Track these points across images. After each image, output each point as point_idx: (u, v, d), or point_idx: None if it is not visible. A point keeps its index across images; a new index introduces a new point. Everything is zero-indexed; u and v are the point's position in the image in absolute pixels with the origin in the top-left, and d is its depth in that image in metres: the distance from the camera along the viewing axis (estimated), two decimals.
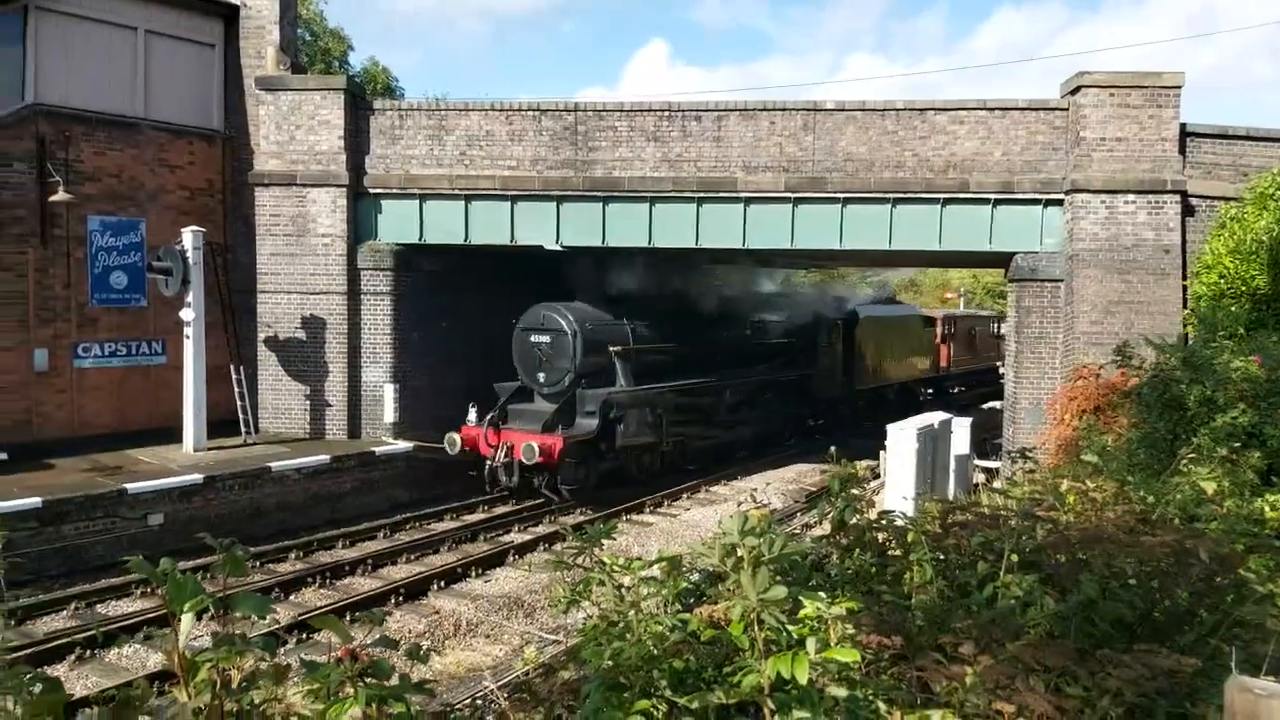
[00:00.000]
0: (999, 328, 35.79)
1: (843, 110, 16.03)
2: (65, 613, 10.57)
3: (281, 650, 8.94)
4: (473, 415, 16.42)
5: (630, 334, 17.83)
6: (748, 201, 16.29)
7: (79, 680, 8.91)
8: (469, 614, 10.80)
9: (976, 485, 14.82)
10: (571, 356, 16.71)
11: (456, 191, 16.89)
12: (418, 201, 17.09)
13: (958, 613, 3.07)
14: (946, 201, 15.72)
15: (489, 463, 15.81)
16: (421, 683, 1.95)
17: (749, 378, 21.56)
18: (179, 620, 1.98)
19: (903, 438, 12.84)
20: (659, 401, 18.01)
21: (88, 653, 9.47)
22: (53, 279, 15.84)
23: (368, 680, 1.91)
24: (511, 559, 12.94)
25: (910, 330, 29.61)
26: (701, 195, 16.36)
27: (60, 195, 15.21)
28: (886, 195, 15.88)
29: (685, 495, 17.44)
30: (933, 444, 13.42)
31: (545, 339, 16.90)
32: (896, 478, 12.80)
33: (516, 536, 14.27)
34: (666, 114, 16.48)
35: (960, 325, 34.06)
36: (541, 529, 14.67)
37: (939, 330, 31.83)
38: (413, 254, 17.39)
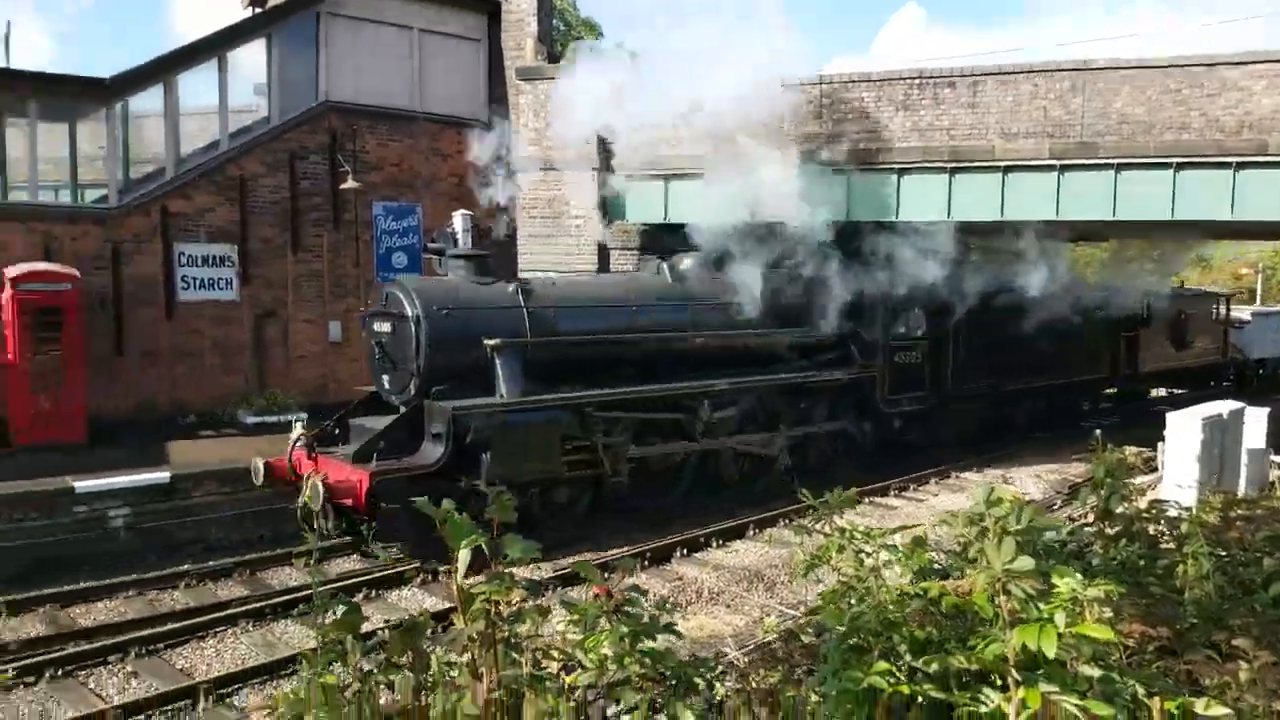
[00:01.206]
0: (1225, 310, 27.92)
1: (1117, 69, 14.73)
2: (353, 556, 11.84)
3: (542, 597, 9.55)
4: (297, 430, 11.68)
5: (528, 320, 12.13)
6: (1006, 170, 15.38)
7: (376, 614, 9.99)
8: (710, 582, 11.06)
9: (1272, 483, 13.30)
10: (414, 353, 11.51)
11: (700, 171, 17.15)
12: (664, 182, 17.51)
13: (1238, 609, 2.82)
14: (1240, 165, 14.07)
15: (300, 499, 10.73)
16: (670, 625, 2.08)
17: (750, 381, 14.39)
18: (457, 556, 2.23)
19: (1185, 426, 11.78)
20: (572, 416, 12.21)
21: (373, 592, 10.55)
22: (344, 259, 17.73)
23: (622, 615, 2.06)
24: (751, 532, 13.09)
25: (1058, 320, 19.24)
26: (954, 165, 15.63)
27: (349, 183, 16.94)
28: (1168, 160, 14.44)
29: (933, 480, 16.73)
30: (1220, 435, 12.17)
31: (386, 327, 11.95)
32: (1175, 469, 11.74)
33: (754, 513, 14.36)
34: (917, 81, 15.86)
35: (1161, 309, 23.89)
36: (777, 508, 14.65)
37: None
38: (658, 233, 17.85)
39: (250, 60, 17.23)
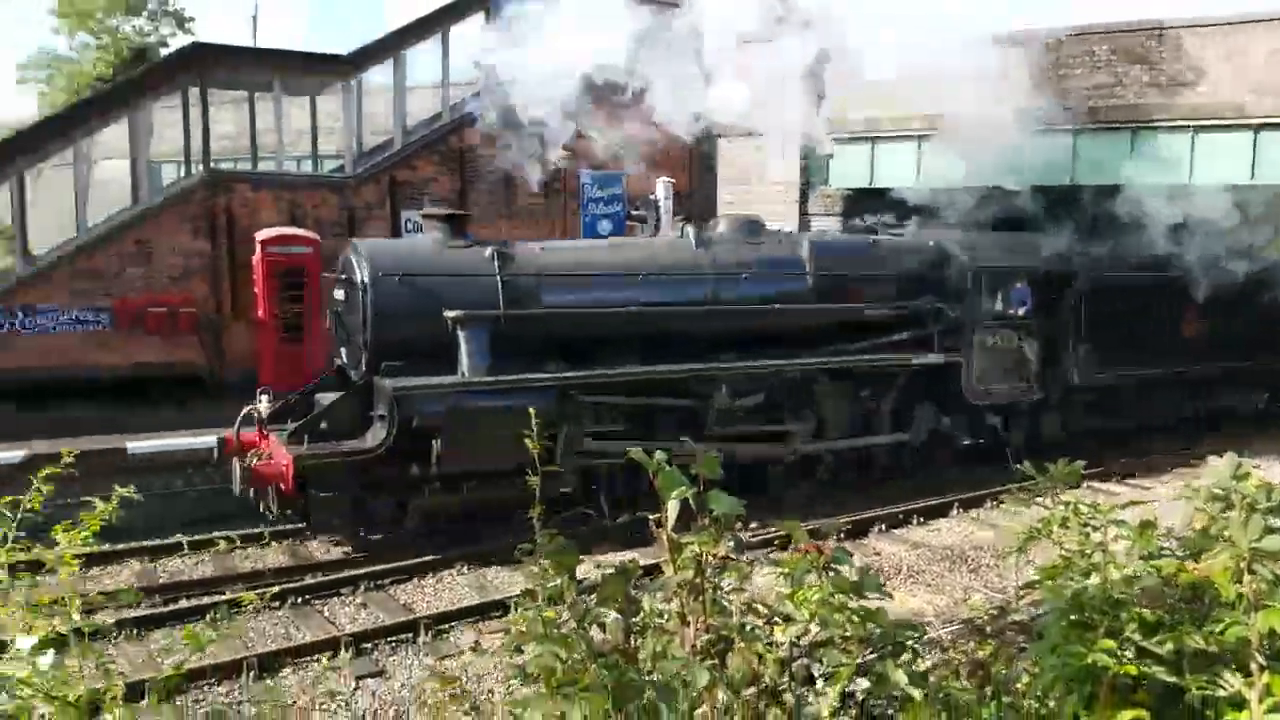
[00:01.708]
0: None
1: None
2: None
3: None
4: (263, 404, 10.51)
5: (501, 289, 10.47)
6: (1258, 129, 13.87)
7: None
8: (910, 560, 10.79)
9: None
10: (362, 323, 10.24)
11: (910, 133, 16.52)
12: (870, 145, 17.01)
13: None
14: None
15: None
16: (880, 584, 2.08)
17: (766, 365, 11.99)
18: (667, 505, 2.32)
19: None
20: (553, 402, 10.42)
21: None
22: (555, 227, 18.40)
23: (830, 572, 2.08)
24: (955, 510, 12.62)
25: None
26: (1197, 124, 14.26)
27: (561, 154, 17.51)
28: None
29: (1169, 470, 14.88)
30: None
31: (341, 295, 10.73)
32: None
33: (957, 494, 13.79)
34: (1157, 33, 14.55)
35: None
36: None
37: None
38: (862, 198, 17.38)
39: (472, 35, 18.07)
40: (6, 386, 13.48)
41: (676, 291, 11.70)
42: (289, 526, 10.67)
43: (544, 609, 2.21)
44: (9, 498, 2.52)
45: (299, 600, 9.02)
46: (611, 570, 2.51)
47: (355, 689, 7.37)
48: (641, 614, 2.37)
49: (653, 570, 3.06)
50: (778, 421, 12.30)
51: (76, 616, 2.24)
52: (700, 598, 2.24)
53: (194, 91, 15.86)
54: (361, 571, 9.62)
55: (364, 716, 6.90)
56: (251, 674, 7.42)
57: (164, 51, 27.90)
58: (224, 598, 8.64)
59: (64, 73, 32.08)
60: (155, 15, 32.27)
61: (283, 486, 9.65)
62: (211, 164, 16.04)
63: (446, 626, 8.57)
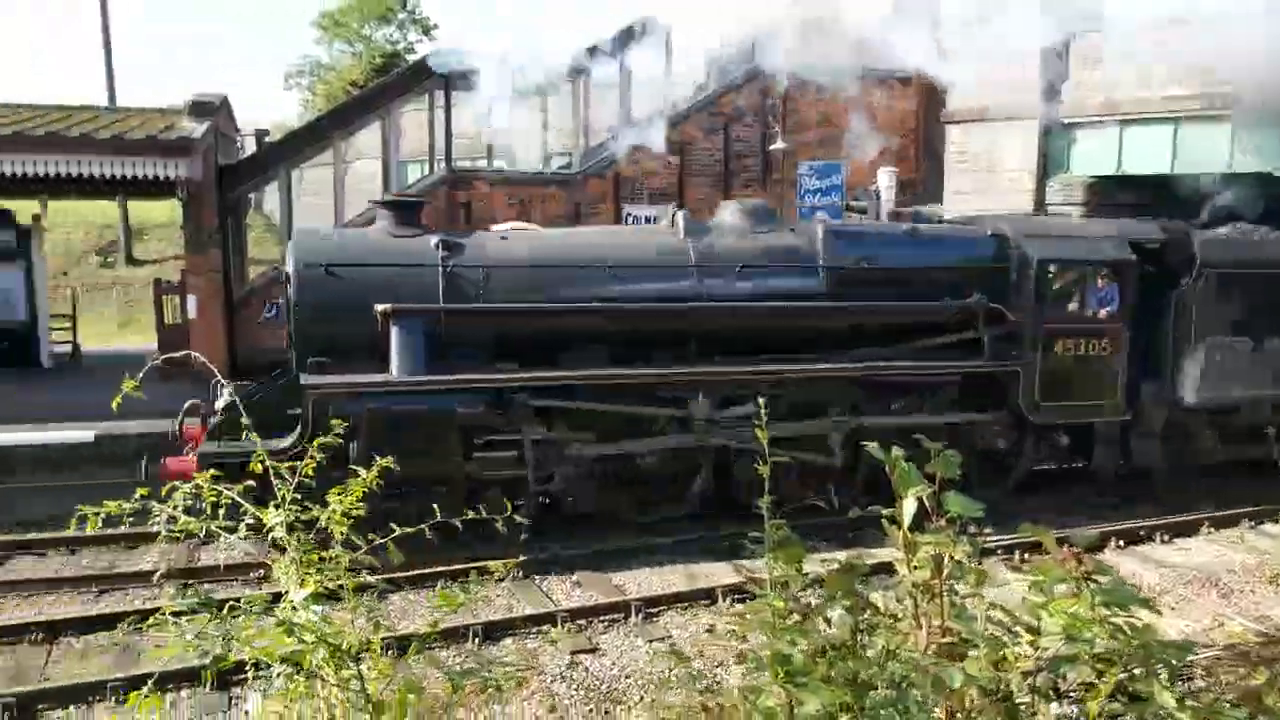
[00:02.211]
0: None
1: None
2: None
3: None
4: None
5: (442, 282, 9.62)
6: None
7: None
8: (1151, 579, 9.95)
9: None
10: (290, 318, 9.68)
11: (1165, 115, 15.14)
12: (1118, 128, 15.74)
13: None
14: None
15: None
16: (1147, 600, 1.92)
17: (750, 372, 10.31)
18: (902, 503, 2.26)
19: None
20: (489, 406, 9.59)
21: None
22: None
23: (1093, 583, 1.95)
24: (1206, 530, 11.50)
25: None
26: None
27: (778, 144, 17.40)
28: None
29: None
30: None
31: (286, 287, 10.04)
32: None
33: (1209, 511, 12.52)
34: None
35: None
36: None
37: None
38: (1107, 186, 16.12)
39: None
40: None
41: (652, 287, 10.31)
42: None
43: (774, 598, 2.20)
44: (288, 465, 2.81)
45: (520, 575, 9.48)
46: (836, 566, 2.48)
47: (571, 663, 7.67)
48: (869, 611, 2.32)
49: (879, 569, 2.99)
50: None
51: (345, 574, 2.46)
52: (937, 599, 2.16)
53: (438, 94, 17.00)
54: (578, 553, 9.99)
55: (578, 690, 7.16)
56: (476, 640, 7.89)
57: (411, 58, 30.05)
58: (473, 564, 8.77)
59: (323, 79, 35.24)
60: (403, 24, 34.81)
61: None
62: (452, 163, 17.14)
63: (656, 610, 8.75)
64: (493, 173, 17.63)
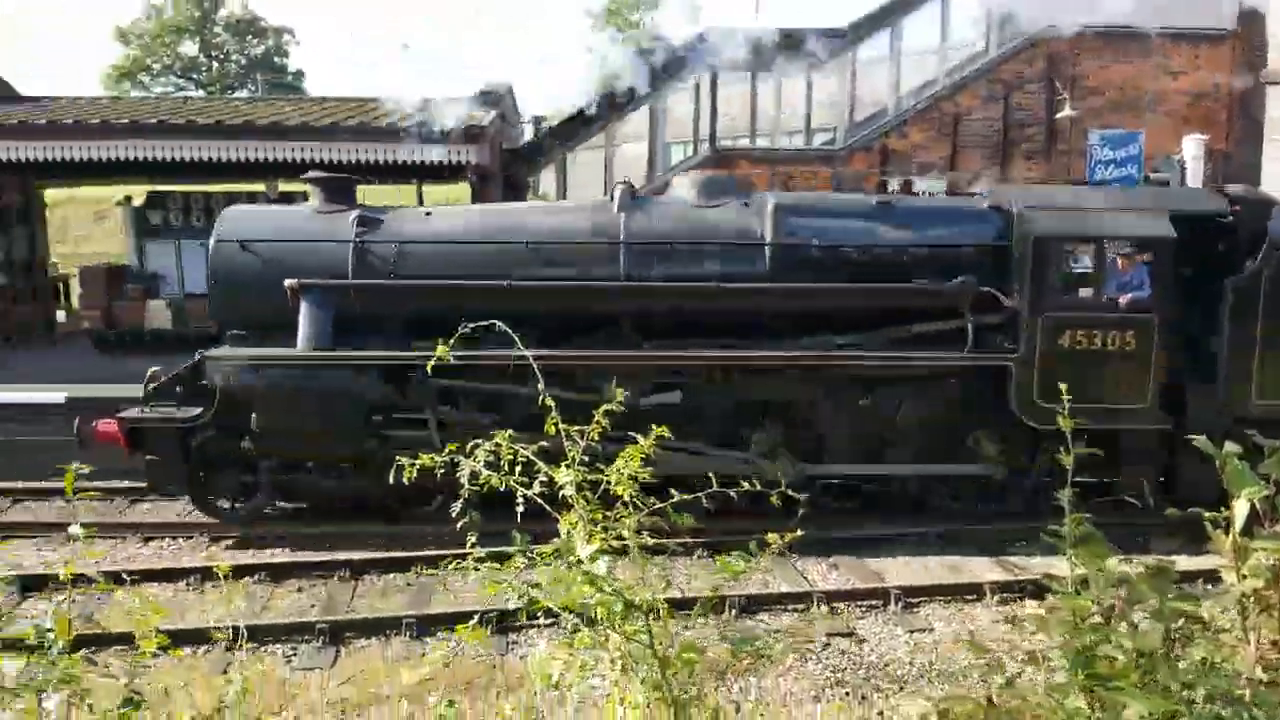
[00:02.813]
0: None
1: None
2: None
3: None
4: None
5: (352, 257, 9.45)
6: None
7: None
8: None
9: None
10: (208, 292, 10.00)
11: None
12: None
13: None
14: None
15: None
16: None
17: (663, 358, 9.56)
18: (1235, 504, 2.03)
19: None
20: (387, 384, 9.39)
21: None
22: None
23: None
24: None
25: None
26: None
27: (1066, 111, 16.10)
28: None
29: None
30: None
31: None
32: None
33: None
34: None
35: None
36: None
37: None
38: None
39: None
40: None
41: (573, 266, 9.63)
42: None
43: (1084, 597, 2.06)
44: None
45: (777, 552, 9.47)
46: (1147, 567, 2.27)
47: (826, 645, 7.60)
48: (1183, 619, 2.11)
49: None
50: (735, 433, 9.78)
51: (627, 533, 2.58)
52: (1273, 612, 1.93)
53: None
54: (837, 535, 9.85)
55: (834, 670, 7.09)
56: (734, 612, 8.00)
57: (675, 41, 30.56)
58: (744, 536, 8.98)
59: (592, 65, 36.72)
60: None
61: (121, 445, 9.51)
62: (716, 142, 17.32)
63: (916, 600, 8.47)
64: (756, 151, 17.63)
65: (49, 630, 2.81)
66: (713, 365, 9.59)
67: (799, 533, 3.02)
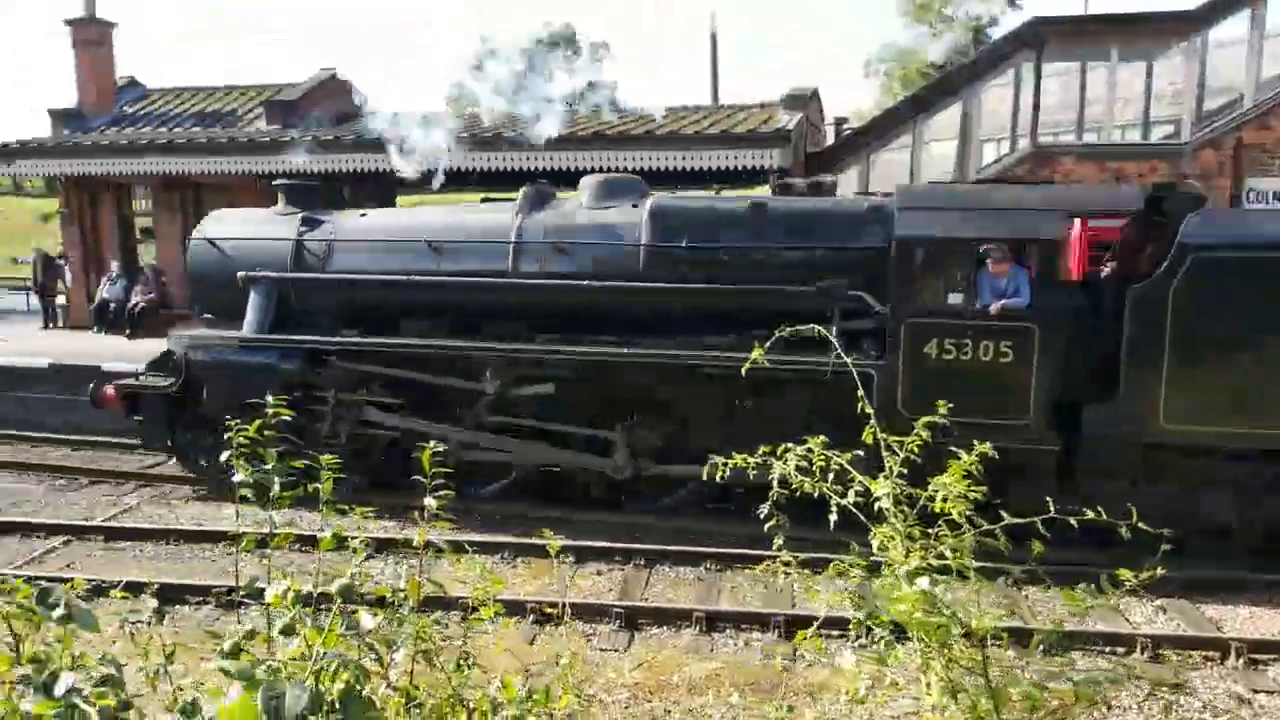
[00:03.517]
0: None
1: None
2: None
3: None
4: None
5: (292, 254, 10.92)
6: None
7: None
8: None
9: None
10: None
11: None
12: None
13: None
14: None
15: None
16: None
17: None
18: None
19: None
20: (305, 365, 10.65)
21: None
22: None
23: None
24: None
25: None
26: None
27: None
28: None
29: None
30: None
31: None
32: None
33: None
34: None
35: None
36: None
37: None
38: None
39: None
40: None
41: (465, 262, 10.42)
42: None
43: None
44: None
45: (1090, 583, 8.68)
46: None
47: (1149, 694, 6.84)
48: None
49: None
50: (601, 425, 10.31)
51: (949, 553, 2.45)
52: None
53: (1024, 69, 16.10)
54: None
55: None
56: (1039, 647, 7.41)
57: (994, 32, 28.96)
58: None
59: (901, 64, 35.68)
60: None
61: (119, 408, 11.30)
62: (1037, 138, 16.16)
63: (1264, 658, 7.40)
64: (1081, 147, 16.23)
65: (401, 590, 3.14)
66: (582, 360, 10.00)
67: (1159, 571, 2.72)
